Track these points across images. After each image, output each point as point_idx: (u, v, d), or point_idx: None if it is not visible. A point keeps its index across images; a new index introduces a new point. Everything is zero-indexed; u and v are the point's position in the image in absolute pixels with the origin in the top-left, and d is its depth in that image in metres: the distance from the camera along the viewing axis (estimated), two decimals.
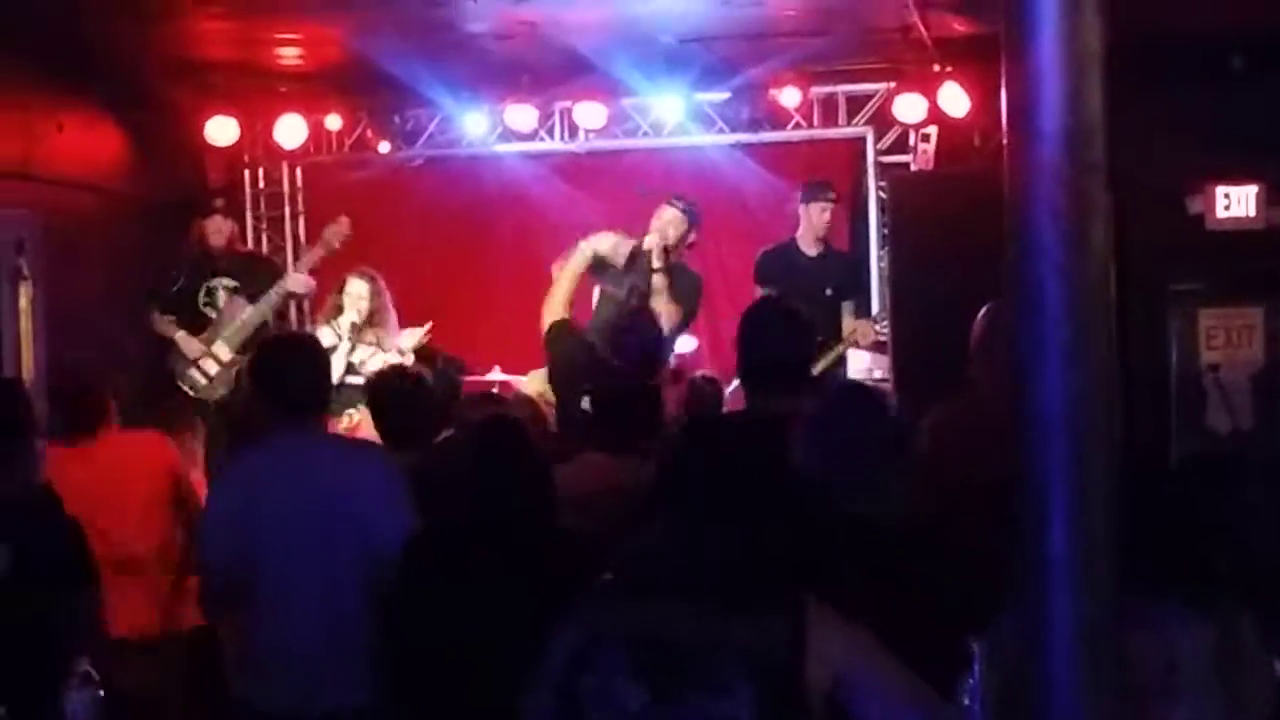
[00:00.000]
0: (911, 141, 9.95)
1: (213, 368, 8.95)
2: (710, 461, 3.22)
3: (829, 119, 10.14)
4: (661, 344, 6.89)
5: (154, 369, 8.85)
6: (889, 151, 10.13)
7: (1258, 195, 8.18)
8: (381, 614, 4.59)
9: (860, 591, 3.33)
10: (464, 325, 9.96)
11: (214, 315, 9.12)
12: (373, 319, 8.96)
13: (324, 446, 5.07)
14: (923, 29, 8.26)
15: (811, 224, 9.33)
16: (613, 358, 6.78)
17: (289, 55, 9.27)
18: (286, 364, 5.09)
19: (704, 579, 3.03)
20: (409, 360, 8.99)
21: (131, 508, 6.17)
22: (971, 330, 5.33)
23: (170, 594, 6.35)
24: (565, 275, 7.86)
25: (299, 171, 11.09)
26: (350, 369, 8.71)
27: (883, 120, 9.97)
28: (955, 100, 9.18)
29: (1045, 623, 1.77)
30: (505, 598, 4.17)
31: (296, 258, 10.78)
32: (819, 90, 10.02)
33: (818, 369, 8.14)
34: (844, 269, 9.46)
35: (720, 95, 10.04)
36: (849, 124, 10.12)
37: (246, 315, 9.06)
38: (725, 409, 8.30)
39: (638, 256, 8.22)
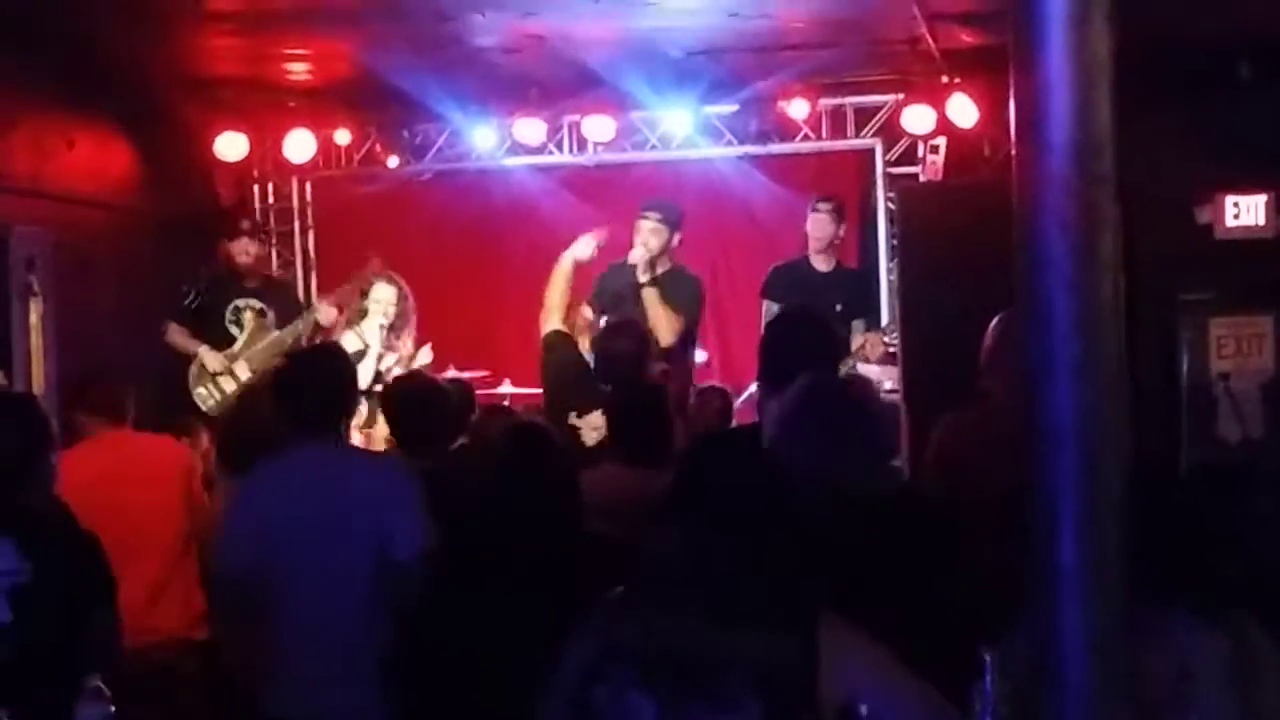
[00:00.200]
0: (920, 153, 9.94)
1: (230, 385, 8.95)
2: (724, 474, 3.23)
3: (837, 131, 10.13)
4: (645, 355, 6.87)
5: (165, 385, 8.86)
6: (898, 163, 10.13)
7: (1267, 204, 8.18)
8: (409, 621, 4.61)
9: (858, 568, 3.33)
10: (473, 338, 9.99)
11: (238, 334, 9.13)
12: (396, 324, 8.97)
13: (343, 457, 5.07)
14: (931, 40, 8.26)
15: (810, 236, 9.32)
16: (598, 358, 6.79)
17: (298, 70, 9.29)
18: (307, 375, 5.13)
19: (716, 593, 3.03)
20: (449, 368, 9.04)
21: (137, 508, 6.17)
22: (982, 341, 5.33)
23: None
24: (553, 289, 7.87)
25: (308, 186, 11.10)
26: (378, 377, 8.71)
27: (891, 132, 9.97)
28: (964, 111, 9.19)
29: (1056, 633, 1.77)
30: (535, 602, 4.18)
31: (306, 272, 10.81)
32: (827, 102, 10.02)
33: None
34: (855, 286, 9.44)
35: (729, 108, 10.04)
36: (857, 135, 10.12)
37: (272, 339, 9.07)
38: (734, 420, 8.30)
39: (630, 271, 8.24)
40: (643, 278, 8.18)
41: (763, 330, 5.06)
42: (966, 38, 8.36)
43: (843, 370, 8.76)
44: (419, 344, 9.22)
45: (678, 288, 8.32)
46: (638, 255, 8.22)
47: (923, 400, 7.25)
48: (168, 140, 9.92)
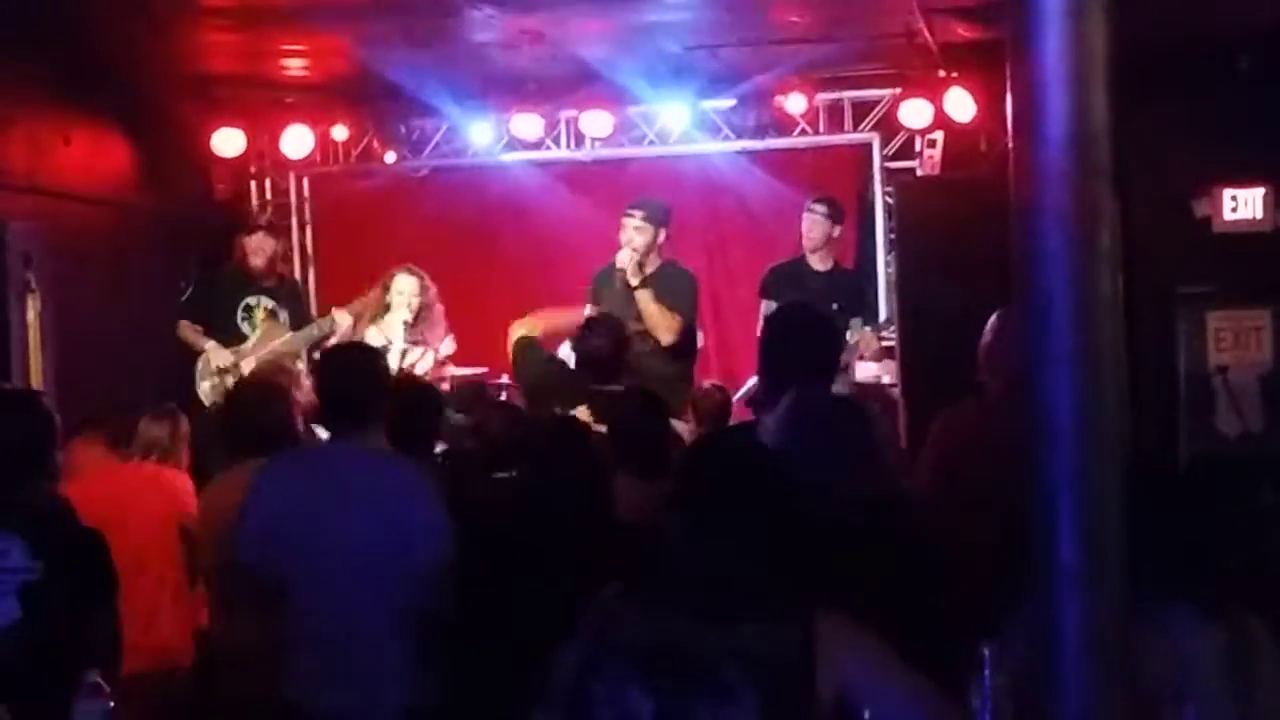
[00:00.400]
0: (917, 147, 9.93)
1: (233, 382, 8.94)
2: (723, 471, 3.23)
3: (835, 125, 10.12)
4: (622, 351, 6.87)
5: (162, 381, 8.85)
6: (895, 157, 10.11)
7: (1265, 197, 8.18)
8: (441, 611, 4.62)
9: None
10: (470, 333, 9.95)
11: (250, 332, 9.11)
12: (419, 317, 8.93)
13: (365, 456, 5.06)
14: (928, 35, 8.25)
15: (807, 236, 9.31)
16: (577, 360, 6.80)
17: (295, 66, 9.28)
18: (339, 373, 5.15)
19: (714, 587, 3.03)
20: (448, 366, 8.99)
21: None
22: (980, 336, 5.33)
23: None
24: (555, 315, 7.93)
25: (305, 182, 11.08)
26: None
27: (889, 126, 9.95)
28: (961, 105, 9.18)
29: (1055, 629, 1.77)
30: (567, 597, 4.18)
31: (304, 267, 10.80)
32: (825, 97, 10.01)
33: None
34: (852, 286, 9.43)
35: (726, 102, 10.03)
36: (855, 130, 10.10)
37: (283, 340, 9.05)
38: (733, 417, 8.29)
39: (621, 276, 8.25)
40: (633, 280, 8.19)
41: (761, 331, 5.04)
42: (963, 32, 8.35)
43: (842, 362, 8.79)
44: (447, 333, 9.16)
45: (671, 285, 8.31)
46: (624, 259, 8.22)
47: (921, 395, 7.25)
48: (165, 136, 9.90)
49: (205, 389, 8.96)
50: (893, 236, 9.67)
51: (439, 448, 6.43)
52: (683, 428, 7.24)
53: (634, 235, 8.31)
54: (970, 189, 8.35)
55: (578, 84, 9.55)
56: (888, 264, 9.82)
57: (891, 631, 3.06)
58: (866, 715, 2.91)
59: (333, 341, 9.10)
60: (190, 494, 6.53)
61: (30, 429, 4.62)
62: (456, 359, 9.29)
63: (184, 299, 9.35)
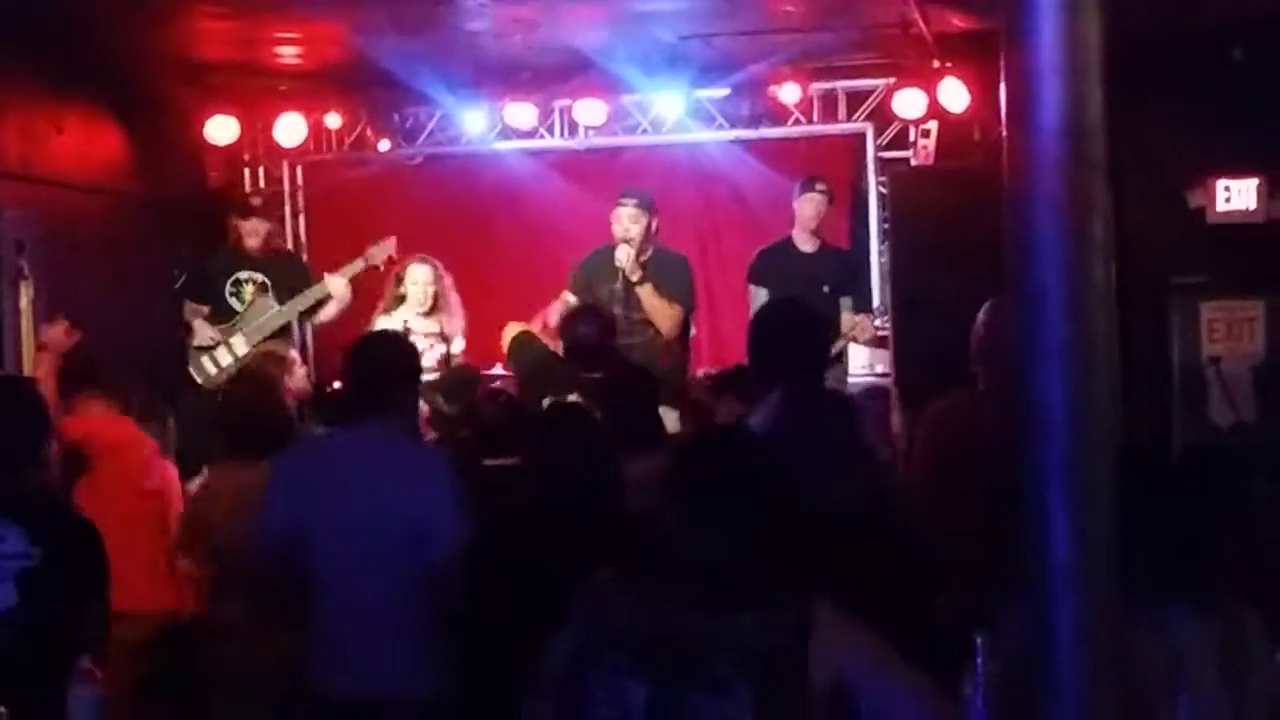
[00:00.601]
0: (911, 137, 9.94)
1: (226, 359, 8.94)
2: (718, 462, 3.23)
3: (829, 115, 10.12)
4: (609, 337, 6.89)
5: (155, 368, 8.84)
6: (889, 147, 10.12)
7: (1258, 188, 8.19)
8: (449, 601, 4.62)
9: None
10: (465, 322, 9.94)
11: (239, 307, 9.12)
12: (435, 305, 8.92)
13: (386, 442, 5.07)
14: (922, 24, 8.24)
15: (802, 216, 9.29)
16: (565, 348, 6.81)
17: (288, 54, 9.26)
18: (358, 360, 5.18)
19: (709, 577, 3.04)
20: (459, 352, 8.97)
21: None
22: (973, 325, 5.33)
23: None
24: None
25: (299, 170, 11.08)
26: None
27: (883, 116, 9.95)
28: (955, 95, 9.17)
29: (1048, 623, 1.77)
30: (573, 583, 4.18)
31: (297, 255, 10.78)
32: (819, 86, 10.01)
33: None
34: (841, 265, 9.41)
35: (720, 92, 10.02)
36: (849, 120, 10.10)
37: (271, 314, 9.04)
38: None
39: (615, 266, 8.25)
40: (634, 276, 8.19)
41: (749, 326, 5.04)
42: (958, 22, 8.35)
43: (833, 351, 8.80)
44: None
45: (668, 274, 8.32)
46: (623, 255, 8.23)
47: (914, 384, 7.25)
48: (158, 124, 9.89)
49: (205, 365, 8.98)
50: (886, 226, 9.66)
51: (429, 436, 6.44)
52: (672, 416, 7.25)
53: (629, 225, 8.31)
54: (964, 179, 8.36)
55: (571, 72, 9.54)
56: (881, 254, 9.82)
57: (884, 623, 3.07)
58: (862, 707, 2.91)
59: (330, 306, 9.14)
60: (176, 484, 6.60)
61: (25, 417, 4.63)
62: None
63: (182, 283, 9.34)
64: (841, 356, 9.09)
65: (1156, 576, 3.08)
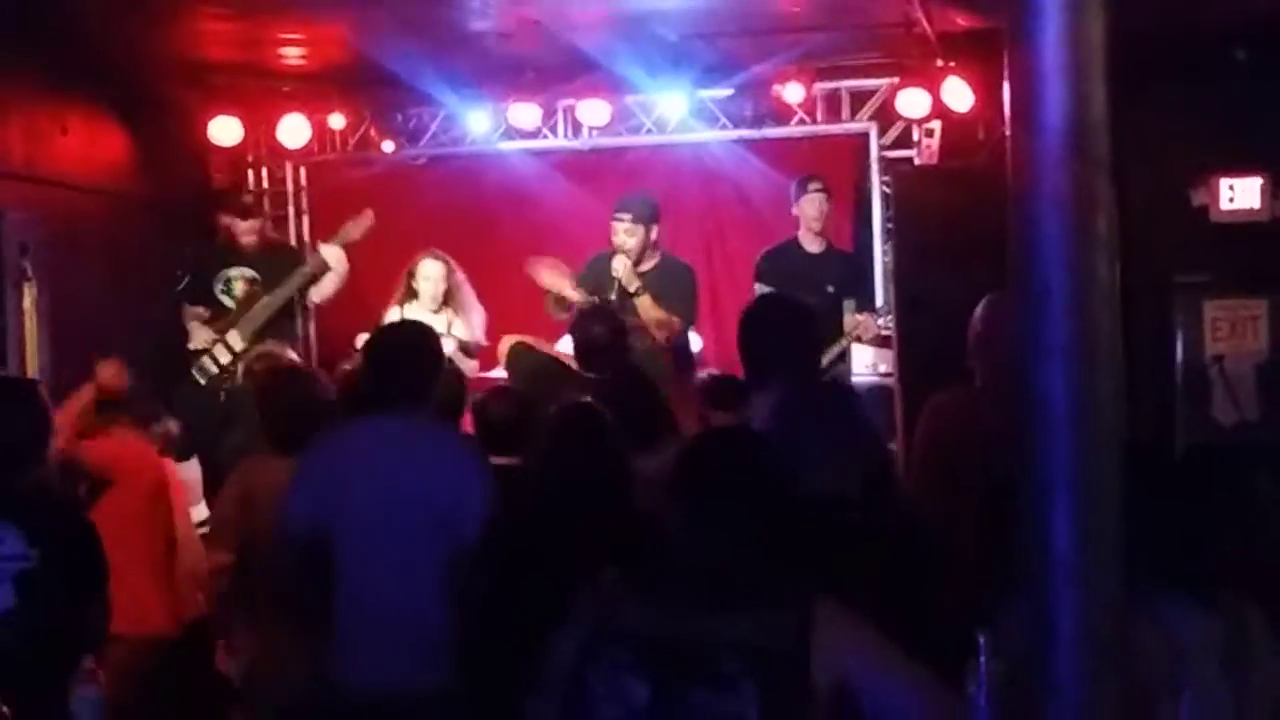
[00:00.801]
0: (915, 136, 9.93)
1: (225, 356, 8.94)
2: (722, 462, 3.24)
3: (832, 114, 10.12)
4: (622, 338, 6.89)
5: (158, 369, 8.85)
6: (892, 146, 10.11)
7: (1262, 187, 8.19)
8: (459, 595, 4.63)
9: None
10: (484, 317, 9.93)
11: (230, 304, 9.12)
12: (448, 300, 8.91)
13: (415, 430, 5.08)
14: (926, 24, 8.24)
15: (806, 217, 9.31)
16: (577, 347, 6.81)
17: (292, 55, 9.26)
18: (379, 349, 5.18)
19: (712, 576, 3.04)
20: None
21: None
22: (970, 323, 5.33)
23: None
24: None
25: (303, 171, 11.08)
26: None
27: (886, 115, 9.95)
28: (959, 95, 9.17)
29: (1050, 622, 1.77)
30: (581, 581, 4.19)
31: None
32: (822, 86, 10.00)
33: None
34: (845, 266, 9.43)
35: (724, 92, 10.02)
36: (852, 119, 10.09)
37: (264, 302, 9.04)
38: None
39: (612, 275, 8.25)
40: (631, 287, 8.20)
41: (739, 326, 5.03)
42: (961, 21, 8.35)
43: (836, 350, 8.80)
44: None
45: (668, 284, 8.32)
46: (619, 266, 8.23)
47: (918, 383, 7.24)
48: (161, 125, 9.90)
49: (206, 366, 8.98)
50: (890, 226, 9.66)
51: None
52: None
53: (625, 239, 8.34)
54: (968, 178, 8.36)
55: (575, 73, 9.54)
56: (885, 253, 9.82)
57: (886, 620, 3.07)
58: (866, 704, 2.91)
59: (326, 282, 9.14)
60: (174, 477, 6.66)
61: (27, 418, 4.64)
62: None
63: (177, 288, 9.35)
64: (845, 356, 9.10)
65: (1159, 574, 3.08)
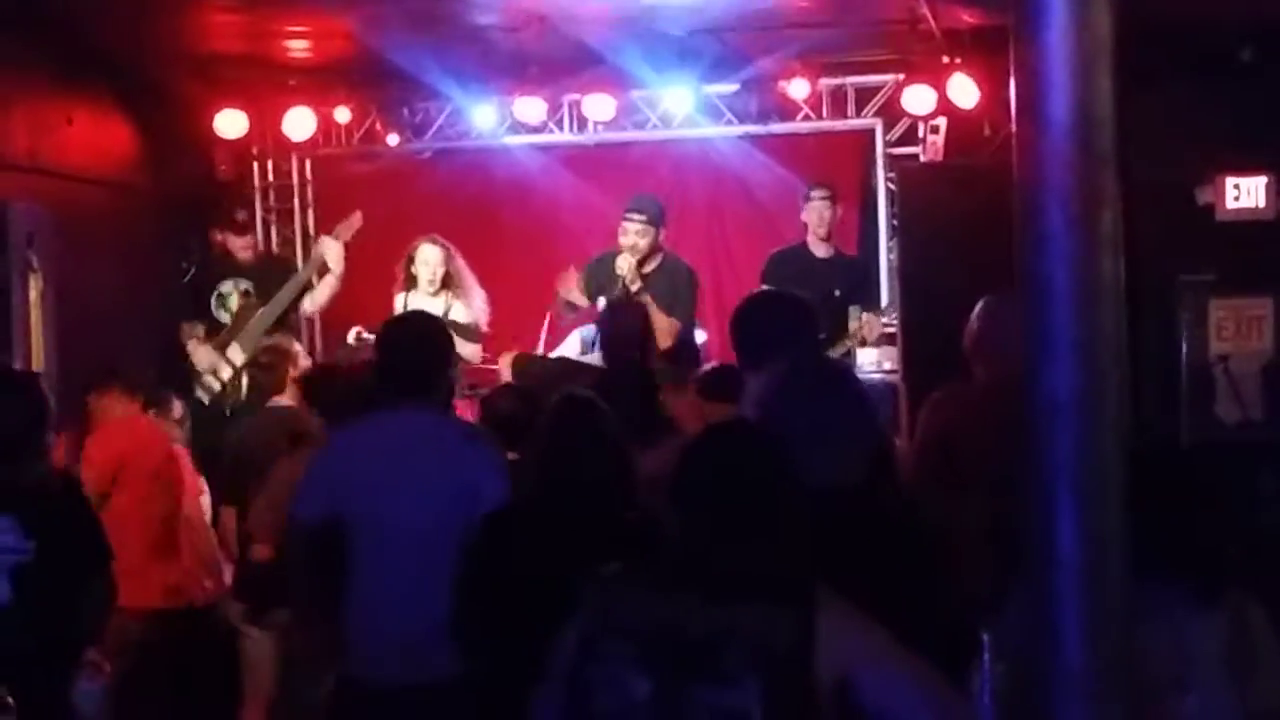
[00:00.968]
0: (920, 133, 9.93)
1: (226, 372, 8.90)
2: (724, 456, 3.23)
3: (838, 111, 10.12)
4: (649, 331, 6.90)
5: (164, 360, 8.86)
6: (898, 143, 10.11)
7: (1267, 186, 8.18)
8: (460, 589, 4.63)
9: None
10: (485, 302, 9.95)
11: (226, 319, 9.10)
12: (446, 284, 8.90)
13: (431, 421, 5.08)
14: (931, 20, 8.24)
15: (811, 226, 9.32)
16: (605, 338, 6.82)
17: (298, 48, 9.27)
18: (389, 340, 5.19)
19: (714, 571, 3.04)
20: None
21: None
22: (967, 321, 5.33)
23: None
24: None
25: (308, 164, 11.08)
26: None
27: (891, 112, 9.95)
28: (964, 91, 9.17)
29: (1054, 623, 1.76)
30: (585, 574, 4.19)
31: (305, 251, 10.77)
32: (828, 82, 10.00)
33: None
34: (852, 272, 9.44)
35: (729, 87, 10.02)
36: (858, 116, 10.10)
37: (260, 314, 9.01)
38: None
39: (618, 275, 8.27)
40: (634, 286, 8.20)
41: (730, 320, 5.02)
42: (967, 18, 8.35)
43: (840, 352, 8.78)
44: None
45: (669, 286, 8.32)
46: (624, 264, 8.23)
47: (921, 380, 7.24)
48: (167, 117, 9.90)
49: (210, 385, 8.93)
50: (895, 222, 9.66)
51: None
52: None
53: (637, 240, 8.33)
54: (973, 175, 8.36)
55: (580, 67, 9.54)
56: (890, 250, 9.82)
57: (888, 616, 3.06)
58: (869, 700, 2.91)
59: (323, 288, 9.14)
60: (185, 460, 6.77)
61: (25, 410, 4.65)
62: None
63: (173, 305, 9.32)
64: (850, 357, 9.09)
65: (1163, 573, 3.08)
